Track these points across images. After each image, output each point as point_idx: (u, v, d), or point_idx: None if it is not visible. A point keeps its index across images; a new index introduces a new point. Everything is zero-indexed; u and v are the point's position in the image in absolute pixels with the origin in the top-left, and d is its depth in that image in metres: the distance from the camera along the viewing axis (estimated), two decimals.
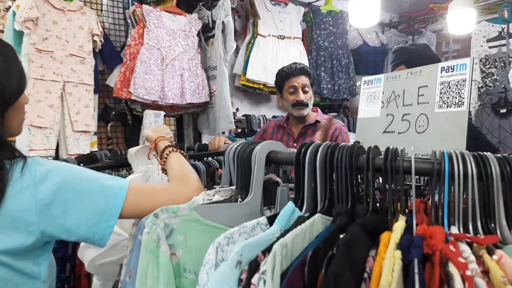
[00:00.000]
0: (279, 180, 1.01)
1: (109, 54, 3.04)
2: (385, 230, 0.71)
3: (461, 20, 3.06)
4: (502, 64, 3.68)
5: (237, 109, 3.65)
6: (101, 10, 3.19)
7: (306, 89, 2.41)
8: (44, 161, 0.92)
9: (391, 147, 0.77)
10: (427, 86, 1.14)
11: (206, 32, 3.31)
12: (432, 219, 0.73)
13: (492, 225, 0.70)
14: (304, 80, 2.41)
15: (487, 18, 3.80)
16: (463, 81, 1.04)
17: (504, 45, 3.70)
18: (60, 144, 2.76)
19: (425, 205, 0.80)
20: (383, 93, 1.28)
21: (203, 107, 3.31)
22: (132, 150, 1.47)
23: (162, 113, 2.24)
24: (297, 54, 3.62)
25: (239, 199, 0.96)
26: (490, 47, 3.75)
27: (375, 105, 1.30)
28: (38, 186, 0.87)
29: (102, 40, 2.92)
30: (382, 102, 1.28)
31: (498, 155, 0.72)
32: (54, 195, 0.88)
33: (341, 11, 4.08)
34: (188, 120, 3.53)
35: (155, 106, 3.06)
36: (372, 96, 1.32)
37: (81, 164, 2.21)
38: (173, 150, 1.16)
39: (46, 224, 0.88)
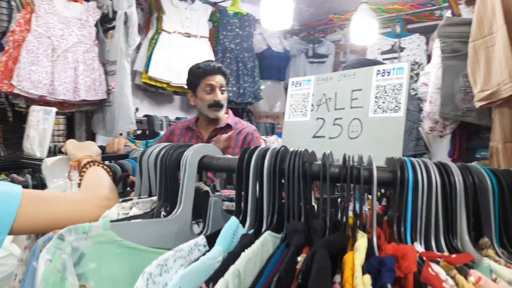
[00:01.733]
0: (207, 188, 0.88)
1: None
2: (344, 249, 0.62)
3: (363, 30, 3.20)
4: None
5: (137, 109, 3.38)
6: None
7: (223, 89, 2.30)
8: None
9: (347, 155, 0.68)
10: (361, 89, 1.09)
11: (105, 23, 3.01)
12: (393, 235, 0.66)
13: (455, 241, 0.65)
14: (221, 79, 2.29)
15: (381, 31, 4.05)
16: (400, 85, 1.01)
17: (396, 58, 3.97)
18: None
19: (379, 218, 0.72)
20: (313, 95, 1.21)
21: (98, 105, 2.99)
22: (48, 161, 1.25)
23: (54, 109, 1.96)
24: (204, 54, 3.48)
25: (163, 213, 0.80)
26: (384, 59, 4.00)
27: (303, 108, 1.23)
28: None
29: None
30: (312, 105, 1.21)
31: (458, 163, 0.68)
32: None
33: (247, 14, 4.04)
34: (80, 119, 3.18)
35: (42, 102, 2.69)
36: (300, 98, 1.24)
37: None
38: (94, 165, 0.98)
39: None
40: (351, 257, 0.58)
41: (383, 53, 4.11)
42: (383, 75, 1.05)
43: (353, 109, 1.10)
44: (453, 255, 0.58)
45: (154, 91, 3.43)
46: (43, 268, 0.61)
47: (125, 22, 2.85)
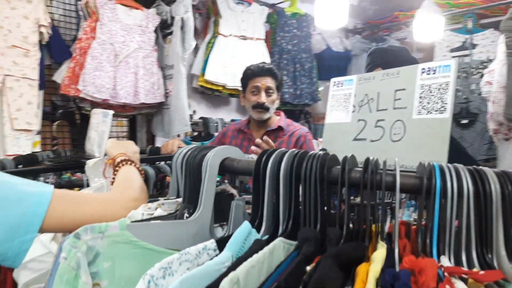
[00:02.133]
0: (234, 192, 0.86)
1: (57, 48, 2.79)
2: (361, 260, 0.57)
3: (428, 27, 3.03)
4: (465, 75, 3.69)
5: (194, 111, 3.45)
6: (51, 0, 2.94)
7: (270, 91, 2.27)
8: None
9: (371, 158, 0.63)
10: (405, 89, 1.02)
11: (164, 29, 3.11)
12: (418, 247, 0.60)
13: (490, 255, 0.57)
14: (269, 81, 2.27)
15: (451, 27, 3.81)
16: (446, 84, 0.93)
17: (467, 55, 3.71)
18: None
19: (407, 228, 0.66)
20: (355, 96, 1.16)
21: (157, 108, 3.10)
22: (90, 162, 1.32)
23: (111, 112, 2.04)
24: (259, 56, 3.48)
25: (186, 215, 0.80)
26: (453, 57, 3.76)
27: (345, 109, 1.17)
28: None
29: (50, 32, 2.67)
30: (354, 106, 1.15)
31: (497, 170, 0.60)
32: None
33: (306, 14, 3.98)
34: (141, 121, 3.31)
35: (105, 105, 2.84)
36: (342, 99, 1.19)
37: (20, 166, 1.98)
38: (127, 164, 1.01)
39: None
40: (365, 268, 0.54)
41: (452, 50, 3.86)
42: (428, 74, 0.97)
43: (396, 110, 1.03)
44: (481, 272, 0.52)
45: (210, 93, 3.49)
46: (60, 265, 0.62)
47: (182, 27, 2.92)
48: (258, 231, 0.68)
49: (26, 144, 2.56)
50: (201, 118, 3.39)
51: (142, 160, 1.85)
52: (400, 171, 0.64)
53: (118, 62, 2.81)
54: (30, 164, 2.06)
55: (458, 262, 0.58)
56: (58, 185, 1.69)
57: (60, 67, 2.80)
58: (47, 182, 1.69)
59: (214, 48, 3.33)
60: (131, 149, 1.11)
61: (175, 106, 2.95)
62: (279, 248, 0.61)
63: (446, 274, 0.51)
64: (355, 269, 0.55)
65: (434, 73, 0.96)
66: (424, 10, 2.97)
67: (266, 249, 0.58)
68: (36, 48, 2.58)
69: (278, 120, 2.38)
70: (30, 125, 2.56)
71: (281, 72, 3.85)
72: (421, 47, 4.75)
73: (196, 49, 3.50)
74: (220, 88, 3.40)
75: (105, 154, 1.18)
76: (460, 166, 0.60)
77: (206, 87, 3.38)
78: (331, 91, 1.22)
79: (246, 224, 0.64)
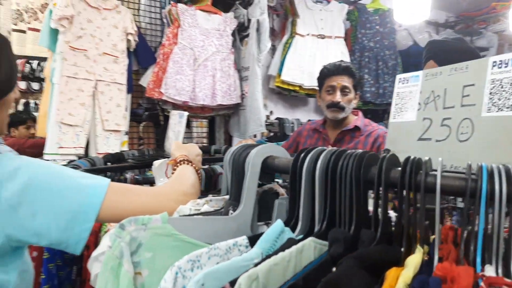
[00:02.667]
0: (281, 190, 0.85)
1: (143, 54, 2.99)
2: (395, 264, 0.53)
3: None
4: None
5: (271, 112, 3.48)
6: (138, 10, 3.15)
7: (346, 90, 2.20)
8: (15, 157, 0.83)
9: (411, 157, 0.58)
10: (474, 84, 0.93)
11: (241, 32, 3.18)
12: (460, 253, 0.54)
13: None
14: (345, 80, 2.20)
15: None
16: None
17: None
18: (90, 143, 2.73)
19: (455, 233, 0.61)
20: (420, 93, 1.08)
21: (234, 109, 3.18)
22: (156, 163, 1.40)
23: (186, 113, 2.14)
24: (338, 54, 3.41)
25: (230, 211, 0.81)
26: None
27: (410, 107, 1.10)
28: (5, 184, 0.78)
29: (137, 39, 2.87)
30: (419, 103, 1.08)
31: None
32: (22, 194, 0.78)
33: (389, 9, 3.81)
34: (220, 122, 3.42)
35: (185, 107, 2.97)
36: (407, 96, 1.12)
37: (108, 163, 2.16)
38: (186, 163, 1.05)
39: (11, 226, 0.78)
40: (395, 273, 0.51)
41: None
42: (499, 67, 0.88)
43: (464, 108, 0.95)
44: None
45: (287, 94, 3.49)
46: (106, 253, 0.67)
47: (258, 29, 2.96)
48: (294, 231, 0.67)
49: (115, 144, 2.78)
50: (277, 118, 3.40)
51: (214, 160, 1.91)
52: (460, 172, 0.58)
53: (197, 66, 2.93)
54: (117, 162, 2.23)
55: (507, 273, 0.52)
56: (135, 181, 1.81)
57: (146, 72, 3.00)
58: (129, 179, 1.82)
59: (290, 49, 3.33)
60: (193, 151, 1.15)
61: (250, 107, 3.00)
62: (310, 248, 0.59)
63: (482, 284, 0.46)
64: (384, 274, 0.52)
65: (506, 67, 0.86)
66: None
67: (293, 248, 0.57)
68: (124, 54, 2.78)
69: (355, 119, 2.30)
70: (119, 126, 2.77)
71: (362, 71, 3.75)
72: None
73: (274, 50, 3.53)
74: (296, 88, 3.39)
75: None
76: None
77: (283, 88, 3.40)
78: (396, 89, 1.16)
79: (278, 222, 0.63)
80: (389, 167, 0.59)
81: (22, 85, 4.22)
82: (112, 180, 1.81)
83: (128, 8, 2.94)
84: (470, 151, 0.91)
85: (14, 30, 4.27)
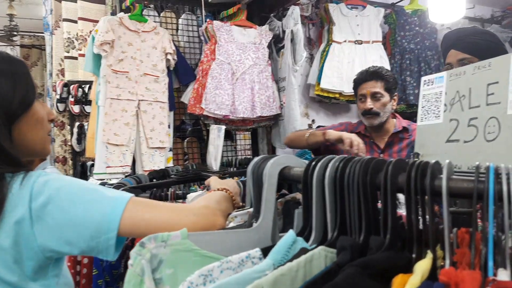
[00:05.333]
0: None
1: (183, 72, 3.09)
2: (405, 271, 0.53)
3: None
4: None
5: (313, 121, 3.48)
6: (177, 30, 3.27)
7: (378, 95, 2.16)
8: (44, 173, 0.90)
9: (417, 161, 0.58)
10: (498, 82, 0.91)
11: (277, 43, 3.22)
12: (471, 258, 0.53)
13: None
14: (375, 85, 2.17)
15: None
16: None
17: None
18: (136, 161, 2.85)
19: (471, 237, 0.59)
20: (446, 94, 1.06)
21: (274, 119, 3.20)
22: (190, 196, 1.41)
23: (223, 127, 2.19)
24: (377, 59, 3.35)
25: (254, 224, 0.82)
26: None
27: (436, 109, 1.08)
28: (35, 197, 0.85)
29: (176, 58, 2.98)
30: (445, 105, 1.06)
31: None
32: (50, 205, 0.84)
33: (428, 9, 3.72)
34: (262, 133, 3.45)
35: (227, 120, 3.04)
36: (433, 98, 1.10)
37: (154, 180, 2.25)
38: (221, 190, 1.03)
39: (42, 237, 0.84)
40: (401, 280, 0.50)
41: None
42: None
43: (489, 106, 0.92)
44: None
45: (327, 102, 3.48)
46: (127, 271, 0.70)
47: (292, 39, 2.98)
48: (308, 240, 0.68)
49: (160, 160, 2.88)
50: (318, 127, 3.39)
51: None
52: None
53: (235, 80, 2.99)
54: (162, 178, 2.31)
55: None
56: (176, 196, 1.87)
57: (186, 89, 3.10)
58: (170, 193, 1.88)
59: (328, 56, 3.32)
60: (231, 186, 1.10)
61: (287, 116, 3.02)
62: (320, 257, 0.59)
63: None
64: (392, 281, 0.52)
65: None
66: None
67: (302, 257, 0.58)
68: (164, 74, 2.89)
69: (398, 122, 2.27)
70: (163, 143, 2.87)
71: (404, 73, 3.67)
72: None
73: (312, 59, 3.54)
74: (337, 95, 3.36)
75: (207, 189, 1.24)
76: None
77: (323, 96, 3.38)
78: (422, 91, 1.14)
79: (290, 233, 0.64)
80: (396, 172, 0.59)
81: (76, 108, 4.48)
82: (154, 195, 1.87)
83: (166, 28, 3.06)
84: (498, 150, 0.88)
85: (66, 57, 4.55)
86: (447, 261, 0.54)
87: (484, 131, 0.92)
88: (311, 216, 0.67)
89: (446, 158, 1.01)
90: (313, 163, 0.69)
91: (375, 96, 2.15)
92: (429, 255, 0.54)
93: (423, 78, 1.14)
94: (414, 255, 0.57)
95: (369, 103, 2.14)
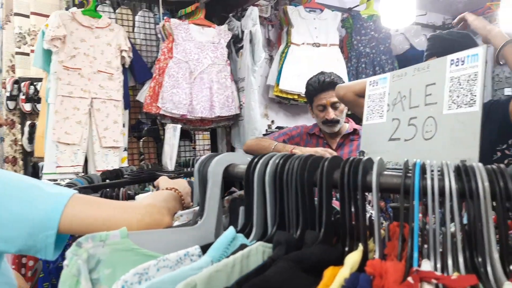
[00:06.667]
0: None
1: (139, 70, 3.04)
2: (336, 264, 0.55)
3: None
4: None
5: (272, 121, 3.51)
6: (133, 27, 3.21)
7: (336, 104, 2.20)
8: None
9: (351, 158, 0.60)
10: (435, 83, 0.95)
11: (237, 44, 3.22)
12: (399, 250, 0.55)
13: (480, 259, 0.51)
14: (333, 95, 2.19)
15: None
16: (475, 75, 0.85)
17: None
18: (89, 160, 2.77)
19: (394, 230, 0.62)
20: (389, 94, 1.10)
21: (234, 120, 3.21)
22: (139, 197, 1.38)
23: (179, 126, 2.17)
24: (334, 62, 3.43)
25: (199, 222, 0.82)
26: None
27: (380, 109, 1.12)
28: None
29: (131, 56, 2.92)
30: (388, 105, 1.09)
31: (490, 166, 0.54)
32: None
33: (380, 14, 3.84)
34: (222, 134, 3.45)
35: (184, 120, 3.01)
36: (377, 98, 1.13)
37: (106, 180, 2.19)
38: (170, 190, 1.01)
39: None
40: (331, 272, 0.52)
41: None
42: (457, 65, 0.89)
43: (427, 106, 0.96)
44: (453, 277, 0.47)
45: (287, 103, 3.52)
46: (62, 272, 0.68)
47: (251, 40, 3.00)
48: (249, 236, 0.68)
49: (114, 160, 2.81)
50: (277, 127, 3.42)
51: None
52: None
53: (193, 79, 2.97)
54: (115, 178, 2.26)
55: (444, 267, 0.53)
56: (127, 196, 1.83)
57: (142, 87, 3.05)
58: (122, 193, 1.84)
59: (287, 58, 3.36)
60: (181, 185, 1.07)
61: (248, 117, 3.03)
62: (258, 253, 0.60)
63: (409, 278, 0.47)
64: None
65: (462, 64, 0.88)
66: None
67: (239, 253, 0.58)
68: (119, 71, 2.83)
69: (351, 125, 2.34)
70: (117, 142, 2.81)
71: (359, 77, 3.76)
72: None
73: (271, 60, 3.57)
74: (295, 96, 3.41)
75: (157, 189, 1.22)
76: (446, 163, 0.55)
77: (282, 97, 3.42)
78: (367, 91, 1.17)
79: (230, 230, 0.64)
80: (331, 168, 0.61)
81: (27, 107, 4.31)
82: (106, 196, 1.82)
83: (122, 25, 2.99)
84: (435, 149, 0.92)
85: (18, 53, 4.36)
86: (377, 253, 0.56)
87: (423, 130, 0.96)
88: (252, 213, 0.68)
89: (388, 156, 1.06)
90: (255, 160, 0.69)
91: (334, 106, 2.19)
92: (360, 248, 0.56)
93: (368, 79, 1.18)
94: (347, 248, 0.58)
95: (331, 113, 2.17)
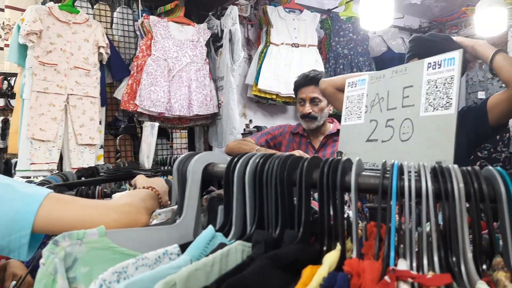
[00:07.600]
0: None
1: (116, 66, 2.99)
2: (315, 263, 0.55)
3: (490, 20, 2.81)
4: None
5: (250, 121, 3.51)
6: (111, 23, 3.16)
7: (316, 100, 2.23)
8: None
9: (330, 158, 0.61)
10: (412, 86, 0.97)
11: (216, 42, 3.21)
12: (376, 249, 0.56)
13: (454, 258, 0.53)
14: (314, 90, 2.22)
15: None
16: (451, 78, 0.87)
17: None
18: (64, 158, 2.72)
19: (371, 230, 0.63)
20: (367, 96, 1.11)
21: (212, 118, 3.19)
22: (115, 196, 1.36)
23: (156, 124, 2.14)
24: (312, 63, 3.45)
25: (178, 220, 0.82)
26: None
27: (358, 110, 1.13)
28: None
29: (109, 52, 2.88)
30: (366, 106, 1.11)
31: (465, 168, 0.55)
32: None
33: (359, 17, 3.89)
34: (199, 132, 3.43)
35: (162, 118, 2.98)
36: (356, 99, 1.15)
37: (82, 178, 2.15)
38: (147, 188, 0.99)
39: None
40: (310, 271, 0.52)
41: None
42: (434, 68, 0.91)
43: (404, 108, 0.98)
44: (428, 276, 0.48)
45: (265, 102, 3.53)
46: (38, 270, 0.67)
47: (230, 39, 2.99)
48: (228, 235, 0.68)
49: (90, 158, 2.76)
50: (255, 127, 3.43)
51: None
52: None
53: (172, 77, 2.95)
54: (91, 176, 2.21)
55: (419, 266, 0.54)
56: (103, 194, 1.80)
57: (120, 84, 3.01)
58: (98, 192, 1.81)
59: (266, 58, 3.37)
60: (160, 186, 1.05)
61: (226, 116, 3.03)
62: (237, 252, 0.60)
63: (386, 277, 0.48)
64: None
65: (439, 67, 0.90)
66: (485, 2, 2.76)
67: (218, 252, 0.58)
68: (96, 68, 2.78)
69: (335, 125, 2.36)
70: (93, 139, 2.76)
71: None
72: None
73: (250, 59, 3.57)
74: (273, 96, 3.42)
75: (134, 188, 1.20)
76: (425, 166, 0.56)
77: (260, 96, 3.43)
78: (346, 92, 1.19)
79: (209, 228, 0.64)
80: (310, 168, 0.61)
81: (0, 102, 4.20)
82: (81, 194, 1.79)
83: (100, 21, 2.95)
84: (411, 150, 0.94)
85: None
86: (355, 253, 0.57)
87: (400, 131, 0.98)
88: (232, 212, 0.68)
89: (365, 157, 1.07)
90: (235, 159, 0.69)
91: (313, 101, 2.21)
92: (338, 247, 0.57)
93: (347, 80, 1.19)
94: (325, 248, 0.59)
95: (307, 108, 2.20)
